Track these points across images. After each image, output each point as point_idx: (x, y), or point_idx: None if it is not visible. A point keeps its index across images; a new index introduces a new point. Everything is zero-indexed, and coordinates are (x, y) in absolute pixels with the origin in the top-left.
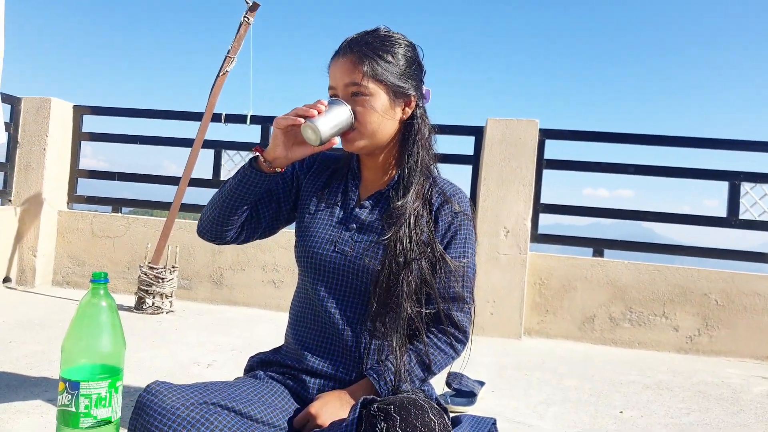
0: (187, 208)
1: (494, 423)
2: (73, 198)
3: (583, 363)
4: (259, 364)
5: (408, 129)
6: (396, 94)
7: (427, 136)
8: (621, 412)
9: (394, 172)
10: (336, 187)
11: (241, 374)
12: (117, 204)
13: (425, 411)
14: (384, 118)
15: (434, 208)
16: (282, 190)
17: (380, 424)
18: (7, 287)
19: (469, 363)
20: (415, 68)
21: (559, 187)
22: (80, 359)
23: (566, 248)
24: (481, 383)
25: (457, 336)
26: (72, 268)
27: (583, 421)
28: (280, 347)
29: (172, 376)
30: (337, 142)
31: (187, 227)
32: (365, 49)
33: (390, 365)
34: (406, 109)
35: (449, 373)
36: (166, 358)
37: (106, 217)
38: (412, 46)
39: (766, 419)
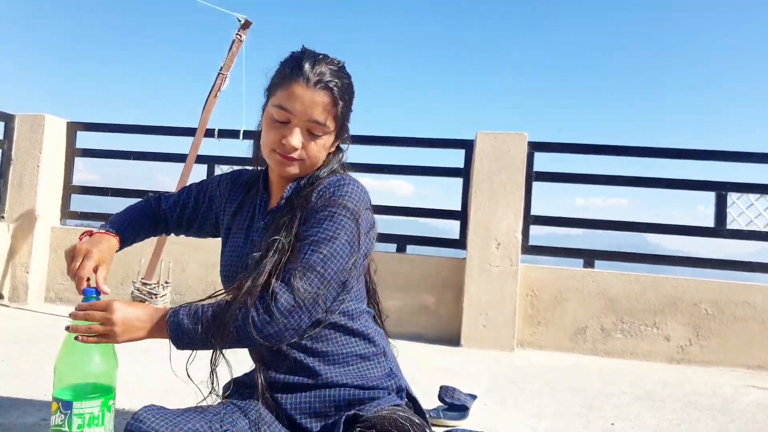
0: None
1: None
2: (66, 214)
3: (575, 374)
4: (236, 386)
5: (327, 158)
6: (340, 133)
7: (339, 159)
8: (612, 424)
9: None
10: (247, 209)
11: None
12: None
13: (406, 429)
14: (324, 153)
15: (311, 206)
16: (198, 214)
17: None
18: (0, 304)
19: (462, 375)
20: (353, 105)
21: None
22: (73, 379)
23: (558, 259)
24: (474, 397)
25: (263, 303)
26: (65, 285)
27: None
28: (251, 370)
29: (165, 394)
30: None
31: (179, 242)
32: (338, 90)
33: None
34: (335, 143)
35: (441, 387)
36: (159, 375)
37: None
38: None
39: (756, 428)
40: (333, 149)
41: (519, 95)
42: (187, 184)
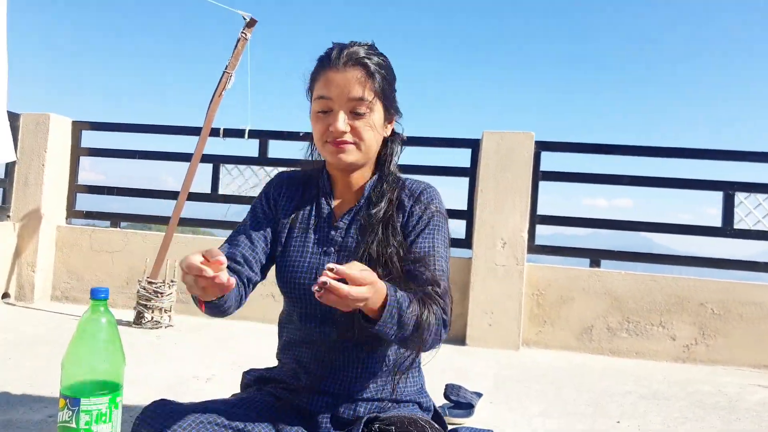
0: (186, 223)
1: None
2: (72, 213)
3: (581, 374)
4: (255, 381)
5: (385, 144)
6: (389, 111)
7: (399, 150)
8: (618, 422)
9: (365, 183)
10: (309, 209)
11: (239, 390)
12: (115, 219)
13: (425, 430)
14: (377, 135)
15: (406, 210)
16: (264, 237)
17: None
18: (6, 303)
19: (468, 373)
20: (395, 84)
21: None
22: (80, 376)
23: (564, 259)
24: (479, 395)
25: (442, 305)
26: (71, 284)
27: (581, 431)
28: (274, 367)
29: (172, 391)
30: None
31: (185, 241)
32: (372, 64)
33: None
34: (388, 126)
35: (447, 385)
36: (166, 372)
37: (105, 232)
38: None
39: (762, 427)
40: (388, 132)
41: (526, 94)
42: (192, 184)
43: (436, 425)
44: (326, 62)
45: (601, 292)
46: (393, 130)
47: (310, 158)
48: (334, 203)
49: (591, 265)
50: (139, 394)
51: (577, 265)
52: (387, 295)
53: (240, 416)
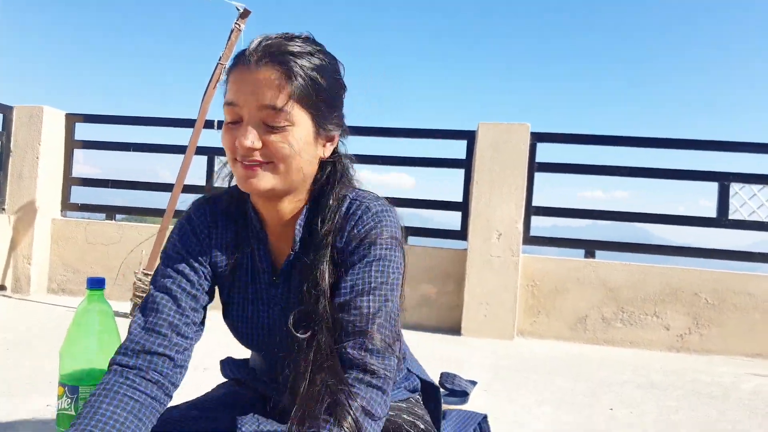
0: (181, 215)
1: (485, 418)
2: (67, 206)
3: (576, 363)
4: (230, 371)
5: (324, 169)
6: (324, 127)
7: (349, 176)
8: (611, 409)
9: (297, 219)
10: (245, 257)
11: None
12: (110, 211)
13: None
14: (305, 154)
15: (339, 244)
16: (197, 286)
17: None
18: (3, 295)
19: (463, 363)
20: (342, 93)
21: (554, 189)
22: (78, 364)
23: (559, 250)
24: (474, 383)
25: (363, 378)
26: (67, 276)
27: (576, 420)
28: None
29: None
30: None
31: None
32: (293, 61)
33: None
34: (328, 145)
35: (442, 374)
36: None
37: (100, 224)
38: (338, 64)
39: (754, 415)
40: (327, 152)
41: (523, 86)
42: (186, 176)
43: (422, 426)
44: (240, 58)
45: (596, 283)
46: (336, 149)
47: (229, 180)
48: (271, 247)
49: (586, 256)
50: None
51: (573, 256)
52: None
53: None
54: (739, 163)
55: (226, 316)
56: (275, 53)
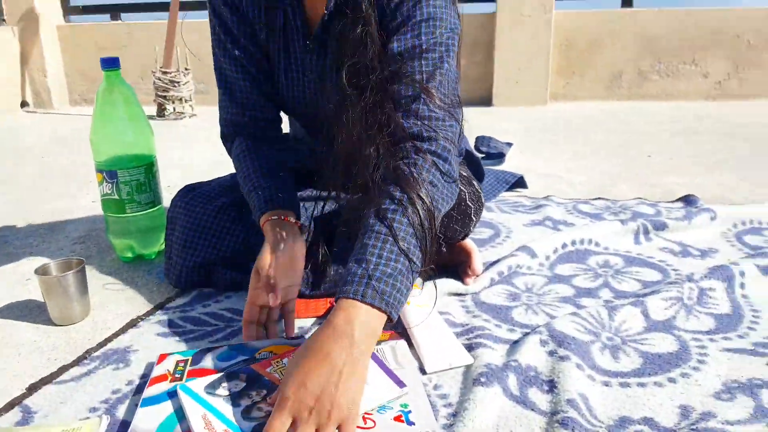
0: (187, 6)
1: (521, 178)
2: (68, 9)
3: (611, 119)
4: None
5: None
6: None
7: None
8: (649, 156)
9: None
10: (273, 20)
11: None
12: (114, 11)
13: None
14: None
15: (382, 3)
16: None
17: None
18: (27, 111)
19: (496, 130)
20: None
21: None
22: (112, 148)
23: (594, 2)
24: (510, 144)
25: (425, 148)
26: (86, 85)
27: (614, 168)
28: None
29: (206, 174)
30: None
31: (191, 27)
32: None
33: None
34: None
35: (477, 138)
36: (198, 156)
37: (107, 27)
38: None
39: None
40: None
41: None
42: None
43: (466, 172)
44: None
45: (633, 34)
46: None
47: None
48: (306, 7)
49: (623, 6)
50: (177, 175)
51: (609, 8)
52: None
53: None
54: None
55: (280, 79)
56: None
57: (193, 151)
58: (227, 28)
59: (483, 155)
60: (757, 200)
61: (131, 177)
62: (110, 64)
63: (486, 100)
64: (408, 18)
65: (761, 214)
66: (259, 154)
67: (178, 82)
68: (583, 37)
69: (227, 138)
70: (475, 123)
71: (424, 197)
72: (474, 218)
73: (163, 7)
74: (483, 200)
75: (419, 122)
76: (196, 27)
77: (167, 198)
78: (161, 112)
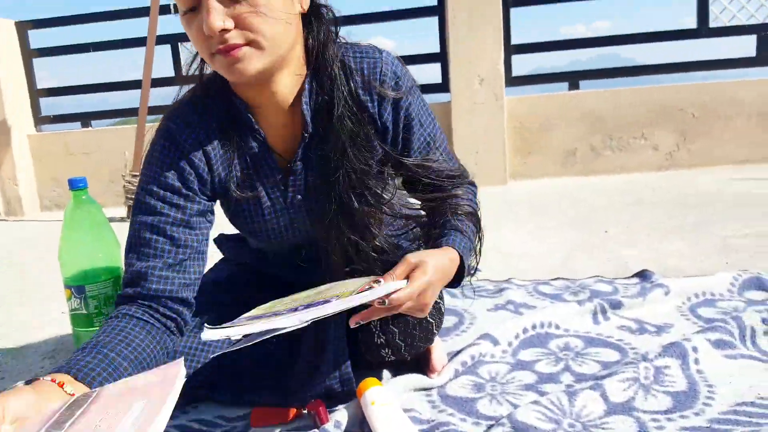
0: (156, 110)
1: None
2: (39, 120)
3: (568, 195)
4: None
5: (309, 27)
6: None
7: (333, 28)
8: (606, 231)
9: (300, 94)
10: (241, 160)
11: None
12: (85, 119)
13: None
14: (282, 18)
15: (368, 111)
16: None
17: (379, 338)
18: None
19: None
20: None
21: (535, 28)
22: (79, 264)
23: (543, 87)
24: None
25: (465, 190)
26: (57, 191)
27: (572, 244)
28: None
29: None
30: None
31: None
32: None
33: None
34: None
35: None
36: None
37: (78, 134)
38: None
39: (740, 216)
40: (304, 5)
41: None
42: (152, 68)
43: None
44: None
45: (582, 114)
46: (312, 1)
47: (199, 72)
48: (270, 139)
49: (570, 89)
50: None
51: (557, 91)
52: (459, 263)
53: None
54: None
55: (237, 226)
56: None
57: None
58: (170, 159)
59: None
60: (708, 270)
61: (99, 291)
62: (78, 184)
63: None
64: (408, 119)
65: (713, 286)
66: (129, 328)
67: None
68: (535, 120)
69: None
70: None
71: (472, 210)
72: (436, 331)
73: (132, 113)
74: (444, 310)
75: (456, 178)
76: None
77: None
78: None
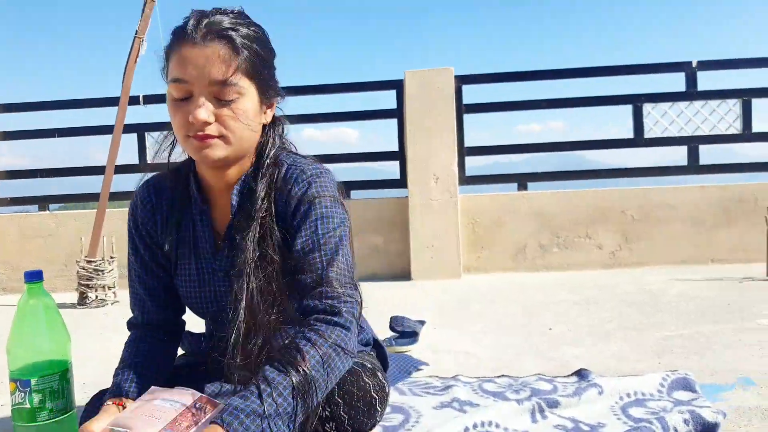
0: (117, 197)
1: (416, 366)
2: None
3: (517, 290)
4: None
5: (265, 134)
6: (266, 94)
7: (285, 139)
8: (550, 329)
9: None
10: (187, 230)
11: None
12: (43, 202)
13: (359, 375)
14: (251, 125)
15: (282, 208)
16: (158, 277)
17: (324, 411)
18: None
19: (414, 305)
20: (274, 59)
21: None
22: (27, 358)
23: (495, 186)
24: (422, 322)
25: (326, 320)
26: (6, 273)
27: (517, 341)
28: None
29: None
30: None
31: (119, 216)
32: (236, 36)
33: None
34: (268, 111)
35: (391, 318)
36: (117, 347)
37: (34, 217)
38: (266, 31)
39: (678, 315)
40: (268, 118)
41: (446, 34)
42: (117, 156)
43: (369, 366)
44: (182, 35)
45: (530, 213)
46: (274, 115)
47: (170, 151)
48: (214, 214)
49: (519, 189)
50: (95, 368)
51: (508, 191)
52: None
53: None
54: (652, 84)
55: (181, 291)
56: (219, 29)
57: (112, 342)
58: (137, 229)
59: (397, 335)
60: (643, 370)
61: (45, 385)
62: (33, 277)
63: (406, 274)
64: (304, 219)
65: (643, 386)
66: (139, 347)
67: (103, 270)
68: (487, 216)
69: (129, 328)
70: (397, 298)
71: (306, 370)
72: (379, 408)
73: (91, 198)
74: (388, 390)
75: (324, 301)
76: (124, 215)
77: (83, 398)
78: (83, 301)
